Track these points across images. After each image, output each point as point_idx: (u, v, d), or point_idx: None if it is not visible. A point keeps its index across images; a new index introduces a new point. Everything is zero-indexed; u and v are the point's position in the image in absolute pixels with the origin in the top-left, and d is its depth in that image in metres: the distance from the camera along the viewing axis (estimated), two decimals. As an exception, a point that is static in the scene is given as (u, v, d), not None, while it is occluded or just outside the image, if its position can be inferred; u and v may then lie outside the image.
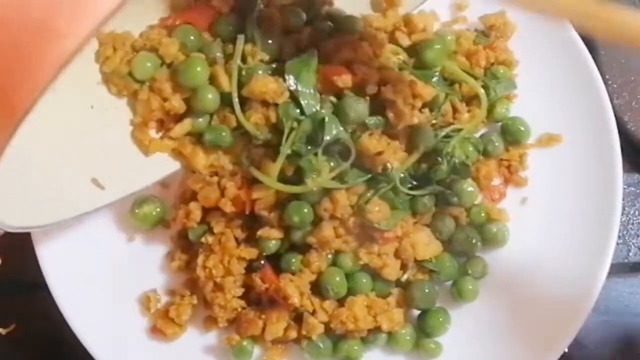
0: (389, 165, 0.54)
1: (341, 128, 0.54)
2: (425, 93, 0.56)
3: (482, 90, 0.60)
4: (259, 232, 0.55)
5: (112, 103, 0.56)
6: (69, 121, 0.53)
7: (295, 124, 0.54)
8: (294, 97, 0.55)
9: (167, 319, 0.57)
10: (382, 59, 0.58)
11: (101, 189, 0.53)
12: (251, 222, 0.57)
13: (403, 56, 0.59)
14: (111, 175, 0.54)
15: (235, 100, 0.55)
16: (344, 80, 0.55)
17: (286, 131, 0.54)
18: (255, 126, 0.55)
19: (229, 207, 0.55)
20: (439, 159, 0.58)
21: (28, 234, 0.57)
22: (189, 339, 0.58)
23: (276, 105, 0.54)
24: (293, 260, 0.56)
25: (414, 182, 0.57)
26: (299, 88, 0.54)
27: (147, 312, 0.58)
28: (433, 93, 0.57)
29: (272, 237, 0.56)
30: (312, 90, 0.55)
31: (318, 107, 0.54)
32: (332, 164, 0.54)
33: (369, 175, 0.55)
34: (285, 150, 0.53)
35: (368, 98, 0.55)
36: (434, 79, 0.57)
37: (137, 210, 0.58)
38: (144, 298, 0.59)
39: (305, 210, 0.54)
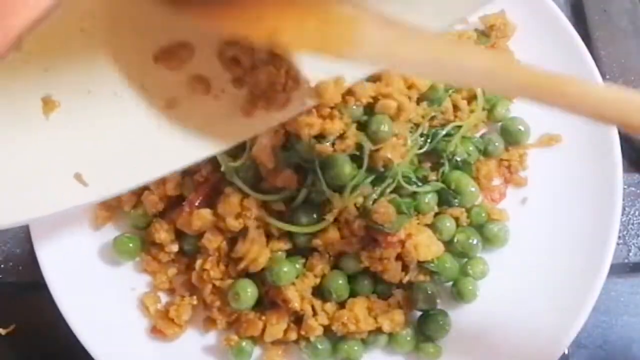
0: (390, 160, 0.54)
1: None
2: (420, 83, 0.56)
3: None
4: (269, 246, 0.55)
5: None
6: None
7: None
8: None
9: (167, 319, 0.57)
10: None
11: (84, 185, 0.46)
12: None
13: None
14: (96, 172, 0.47)
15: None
16: None
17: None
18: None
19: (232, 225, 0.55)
20: (442, 157, 0.58)
21: (28, 234, 0.57)
22: (189, 339, 0.58)
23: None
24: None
25: (419, 184, 0.57)
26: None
27: (147, 313, 0.58)
28: (427, 83, 0.57)
29: (280, 249, 0.56)
30: None
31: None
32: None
33: (374, 176, 0.55)
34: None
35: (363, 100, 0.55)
36: None
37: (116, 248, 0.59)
38: (144, 298, 0.59)
39: (315, 215, 0.55)
